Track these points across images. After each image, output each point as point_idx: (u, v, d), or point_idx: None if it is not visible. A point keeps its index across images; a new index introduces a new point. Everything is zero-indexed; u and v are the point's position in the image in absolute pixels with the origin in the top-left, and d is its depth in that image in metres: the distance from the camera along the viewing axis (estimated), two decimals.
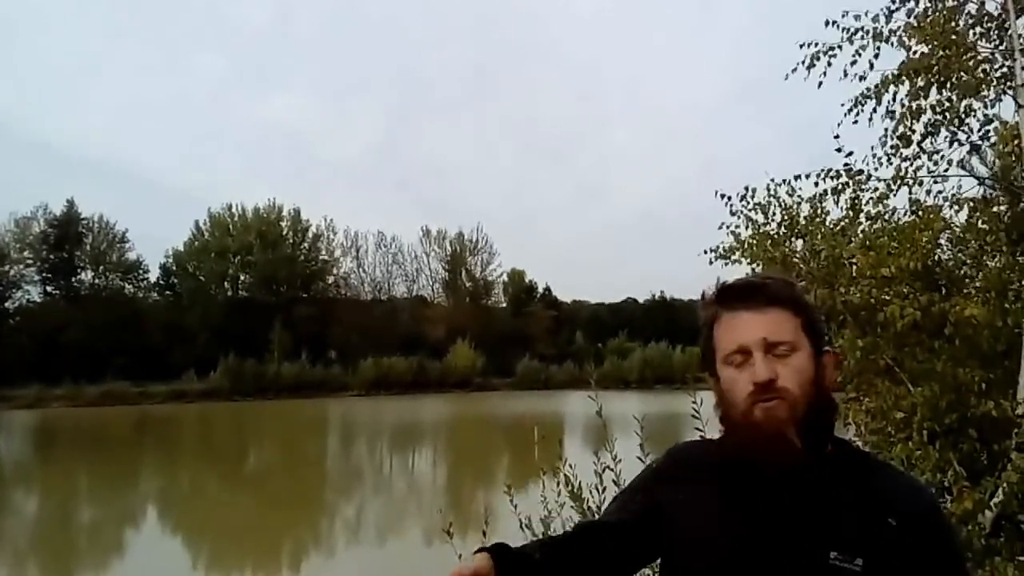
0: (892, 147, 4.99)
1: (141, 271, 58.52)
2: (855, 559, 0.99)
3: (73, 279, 55.17)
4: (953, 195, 4.98)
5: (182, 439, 29.18)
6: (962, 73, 4.67)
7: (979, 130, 4.87)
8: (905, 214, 4.97)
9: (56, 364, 43.71)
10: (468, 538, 3.84)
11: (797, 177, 5.07)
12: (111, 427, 32.62)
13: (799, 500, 1.04)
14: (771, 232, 5.20)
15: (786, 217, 5.20)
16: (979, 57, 4.72)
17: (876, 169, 4.98)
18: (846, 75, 4.94)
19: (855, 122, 4.98)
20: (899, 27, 4.91)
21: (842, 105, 5.01)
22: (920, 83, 4.78)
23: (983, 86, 4.67)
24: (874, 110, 4.95)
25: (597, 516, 3.34)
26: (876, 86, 4.89)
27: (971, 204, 4.92)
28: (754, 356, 1.06)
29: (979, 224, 4.92)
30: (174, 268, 59.86)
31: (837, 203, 5.01)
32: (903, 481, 1.12)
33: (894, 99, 4.90)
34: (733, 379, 1.09)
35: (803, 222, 5.15)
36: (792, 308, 1.09)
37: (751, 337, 1.07)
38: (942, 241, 4.92)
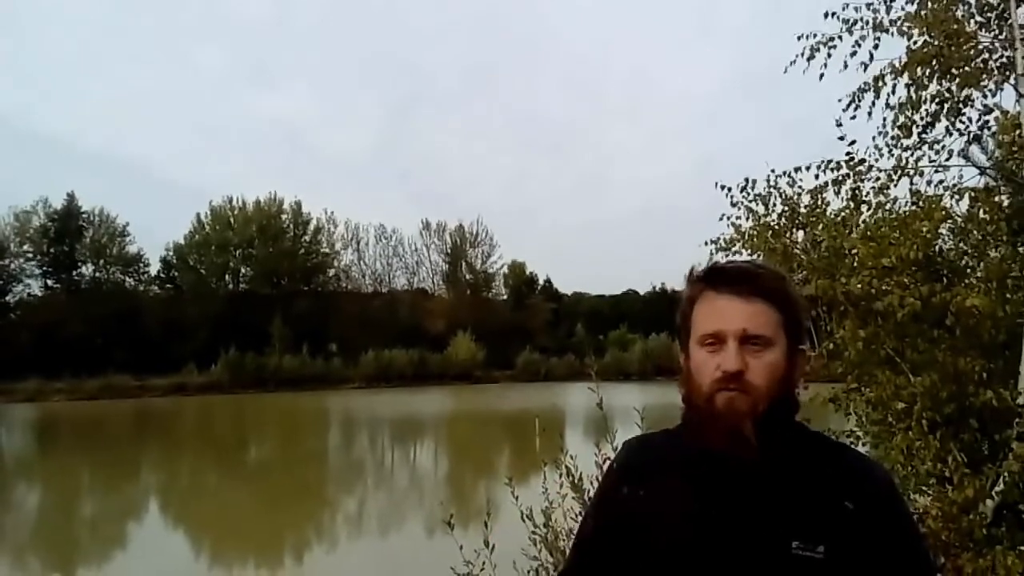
0: (893, 138, 4.98)
1: (142, 264, 58.57)
2: (817, 546, 0.99)
3: (73, 273, 55.20)
4: (954, 185, 4.95)
5: (182, 432, 29.24)
6: (962, 63, 4.66)
7: (978, 120, 4.86)
8: (906, 204, 4.96)
9: (56, 358, 43.72)
10: (470, 530, 3.85)
11: (797, 169, 5.06)
12: (111, 420, 32.70)
13: (759, 492, 1.04)
14: (772, 223, 5.19)
15: (787, 208, 5.19)
16: (979, 47, 4.70)
17: (877, 159, 4.97)
18: (846, 66, 4.92)
19: (853, 117, 4.96)
20: (899, 17, 4.89)
21: (839, 101, 5.00)
22: (920, 73, 4.77)
23: (983, 76, 4.66)
24: (873, 103, 4.94)
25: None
26: (875, 78, 4.88)
27: (972, 194, 4.89)
28: (728, 344, 1.06)
29: (980, 214, 4.89)
30: (175, 261, 59.82)
31: (838, 194, 5.00)
32: (859, 463, 1.12)
33: (893, 91, 4.90)
34: (703, 361, 1.08)
35: (804, 213, 5.14)
36: (776, 303, 1.08)
37: (730, 325, 1.06)
38: (943, 231, 4.89)
